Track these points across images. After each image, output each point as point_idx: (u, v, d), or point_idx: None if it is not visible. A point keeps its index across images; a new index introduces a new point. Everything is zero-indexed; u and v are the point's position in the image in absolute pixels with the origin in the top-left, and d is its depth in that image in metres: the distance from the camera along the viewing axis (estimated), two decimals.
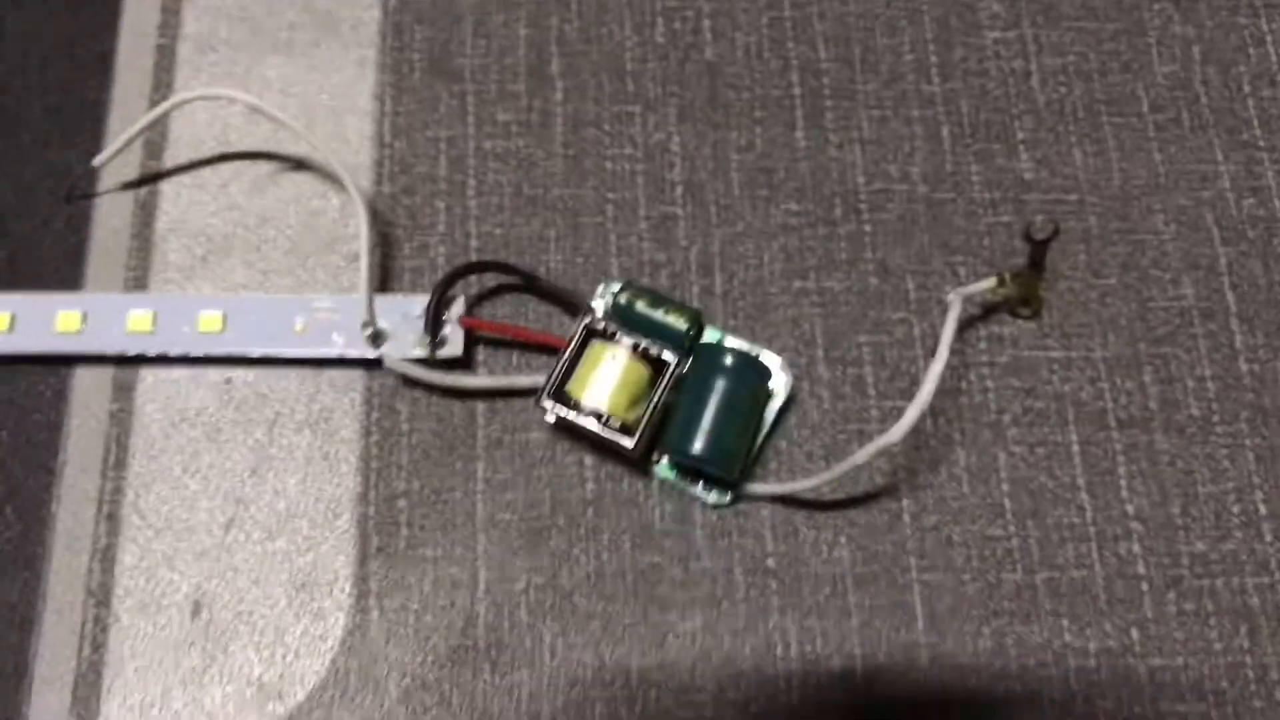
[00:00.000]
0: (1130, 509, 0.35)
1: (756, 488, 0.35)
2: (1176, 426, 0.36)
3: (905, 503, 0.35)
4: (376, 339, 0.36)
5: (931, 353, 0.36)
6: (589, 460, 0.36)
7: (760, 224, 0.38)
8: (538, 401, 0.34)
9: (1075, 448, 0.36)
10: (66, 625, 0.34)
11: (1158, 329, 0.37)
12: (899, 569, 0.34)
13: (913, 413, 0.32)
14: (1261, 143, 0.39)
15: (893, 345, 0.37)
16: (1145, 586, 0.34)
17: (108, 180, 0.39)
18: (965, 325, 0.37)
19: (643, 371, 0.34)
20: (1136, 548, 0.35)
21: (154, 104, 0.39)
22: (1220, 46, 0.41)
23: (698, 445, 0.33)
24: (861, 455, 0.32)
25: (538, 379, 0.35)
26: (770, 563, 0.35)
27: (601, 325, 0.34)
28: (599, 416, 0.34)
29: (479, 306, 0.37)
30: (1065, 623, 0.34)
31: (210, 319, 0.36)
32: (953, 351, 0.33)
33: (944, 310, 0.37)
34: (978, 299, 0.37)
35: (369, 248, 0.36)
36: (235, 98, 0.36)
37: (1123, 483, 0.35)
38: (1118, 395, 0.36)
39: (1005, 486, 0.35)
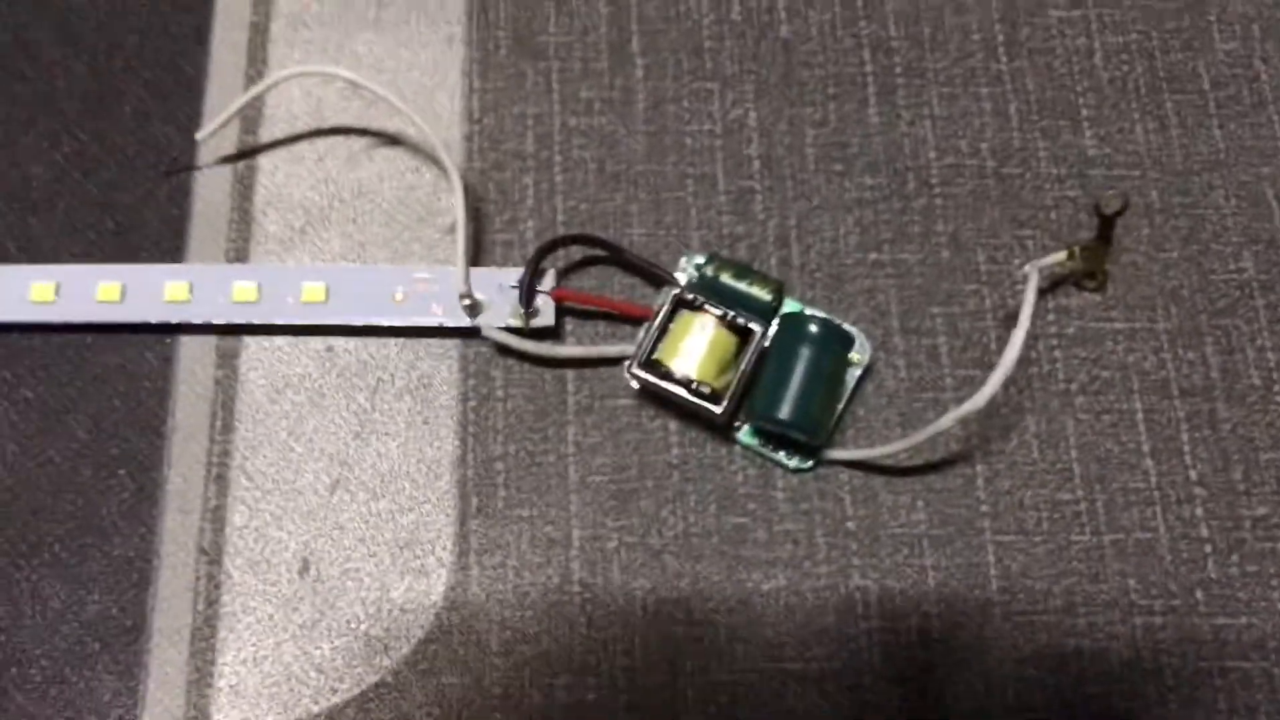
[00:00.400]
0: (1193, 474, 0.37)
1: (836, 453, 0.36)
2: (1237, 395, 0.37)
3: (979, 468, 0.37)
4: (473, 309, 0.37)
5: (1003, 324, 0.38)
6: (673, 426, 0.37)
7: (835, 198, 0.40)
8: (629, 368, 0.36)
9: (1140, 416, 0.37)
10: (181, 582, 0.36)
11: (1219, 301, 0.38)
12: (973, 531, 0.36)
13: (997, 378, 0.33)
14: None
15: (965, 316, 0.38)
16: (1209, 549, 0.36)
17: (206, 154, 0.40)
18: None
19: (730, 340, 0.36)
20: (1200, 511, 0.36)
21: (250, 80, 0.41)
22: None
23: (785, 410, 0.35)
24: (946, 421, 0.34)
25: (625, 348, 0.37)
26: (850, 525, 0.36)
27: (690, 296, 0.36)
28: (687, 384, 0.35)
29: (565, 279, 0.39)
30: (1132, 583, 0.35)
31: (313, 289, 0.37)
32: None
33: (1014, 282, 0.38)
34: (1045, 272, 0.38)
35: (464, 221, 0.37)
36: (338, 75, 0.37)
37: (1186, 449, 0.37)
38: (1180, 365, 0.38)
39: (1074, 453, 0.37)
